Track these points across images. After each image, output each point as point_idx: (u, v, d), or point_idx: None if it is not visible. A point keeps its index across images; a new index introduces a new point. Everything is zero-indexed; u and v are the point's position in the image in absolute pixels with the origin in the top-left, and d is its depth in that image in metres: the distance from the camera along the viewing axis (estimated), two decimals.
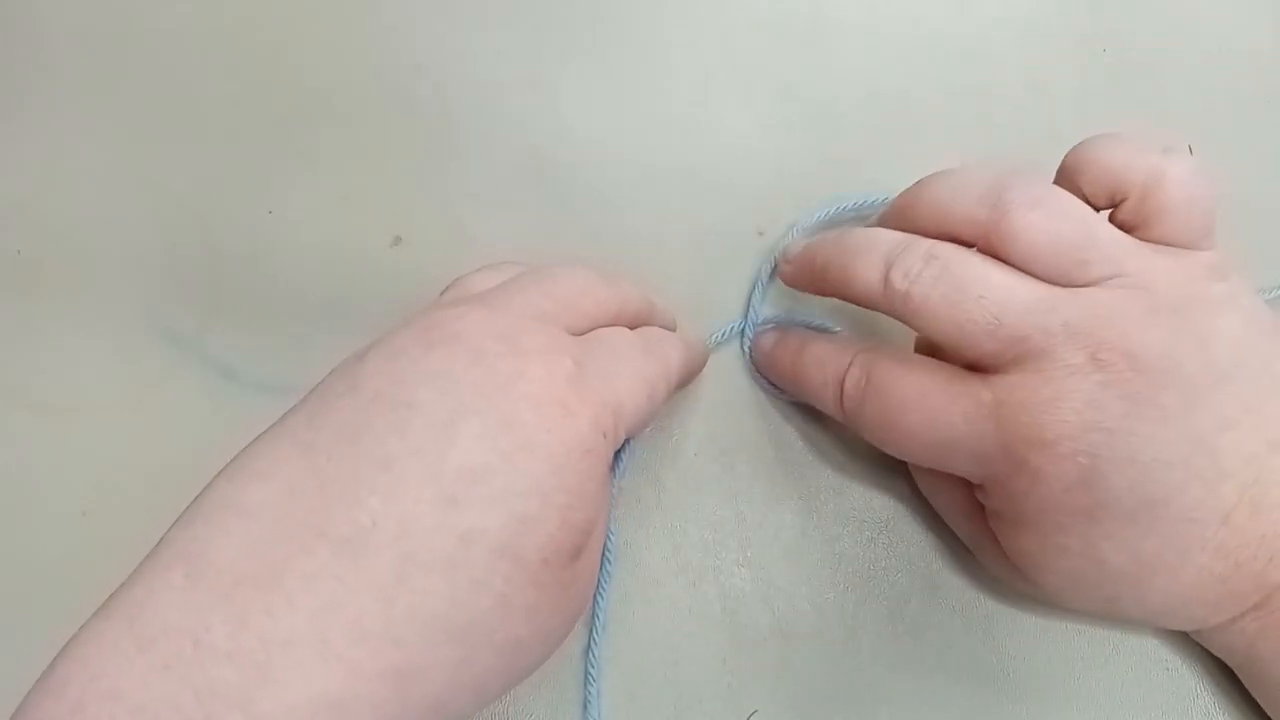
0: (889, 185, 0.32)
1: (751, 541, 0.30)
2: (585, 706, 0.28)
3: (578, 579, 0.22)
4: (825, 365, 0.27)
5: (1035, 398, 0.23)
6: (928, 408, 0.24)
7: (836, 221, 0.32)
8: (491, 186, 0.33)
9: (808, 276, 0.29)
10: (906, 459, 0.27)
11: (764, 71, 0.34)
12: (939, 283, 0.24)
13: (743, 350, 0.31)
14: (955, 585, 0.29)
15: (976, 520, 0.27)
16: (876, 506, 0.30)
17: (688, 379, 0.29)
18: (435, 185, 0.33)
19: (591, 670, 0.28)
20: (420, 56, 0.35)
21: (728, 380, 0.31)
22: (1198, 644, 0.28)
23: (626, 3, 0.35)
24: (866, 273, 0.26)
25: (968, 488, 0.27)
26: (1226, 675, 0.28)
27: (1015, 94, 0.34)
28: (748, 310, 0.31)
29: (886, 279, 0.25)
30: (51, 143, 0.34)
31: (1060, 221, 0.24)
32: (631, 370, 0.24)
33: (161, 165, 0.34)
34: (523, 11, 0.35)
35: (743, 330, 0.31)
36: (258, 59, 0.35)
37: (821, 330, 0.31)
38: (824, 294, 0.28)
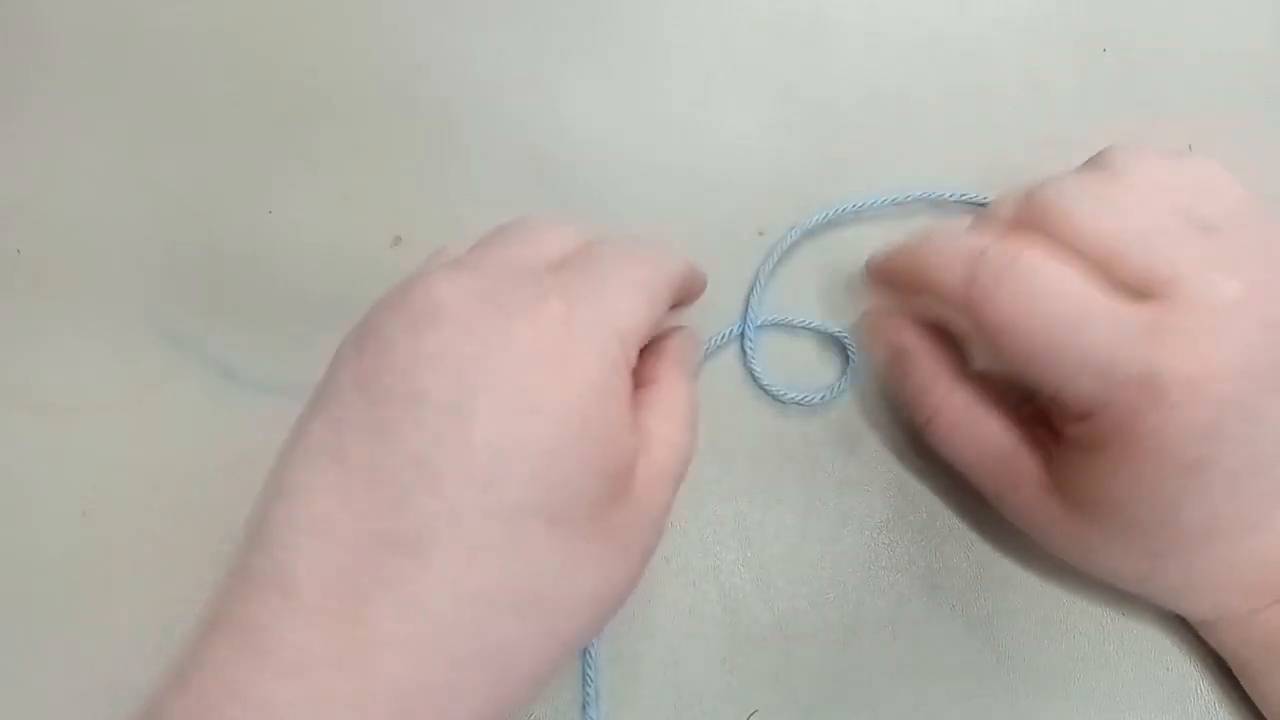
0: (889, 185, 0.32)
1: (751, 541, 0.30)
2: (584, 707, 0.28)
3: (639, 511, 0.23)
4: (959, 242, 0.25)
5: (1196, 327, 0.21)
6: (1079, 305, 0.22)
7: (836, 223, 0.32)
8: (491, 186, 0.33)
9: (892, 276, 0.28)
10: (1014, 358, 0.24)
11: (764, 71, 0.34)
12: (1090, 195, 0.24)
13: (743, 350, 0.31)
14: (955, 585, 0.29)
15: (1019, 460, 0.26)
16: (876, 506, 0.30)
17: (687, 288, 0.27)
18: (435, 185, 0.33)
19: (589, 671, 0.28)
20: (420, 56, 0.35)
21: (728, 381, 0.31)
22: (1198, 644, 0.28)
23: (626, 3, 0.35)
24: (1007, 202, 0.25)
25: (1023, 423, 0.26)
26: (1227, 675, 0.28)
27: (1015, 94, 0.34)
28: (746, 312, 0.31)
29: (1031, 194, 0.25)
30: (51, 143, 0.34)
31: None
32: (621, 280, 0.23)
33: (161, 165, 0.34)
34: (523, 11, 0.35)
35: (742, 333, 0.31)
36: (258, 59, 0.35)
37: (821, 331, 0.31)
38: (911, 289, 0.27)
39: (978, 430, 0.27)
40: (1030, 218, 0.24)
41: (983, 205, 0.31)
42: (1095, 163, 0.26)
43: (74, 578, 0.29)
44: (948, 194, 0.31)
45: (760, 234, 0.32)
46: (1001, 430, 0.26)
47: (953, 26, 0.35)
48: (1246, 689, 0.26)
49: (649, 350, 0.26)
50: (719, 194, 0.33)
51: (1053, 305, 0.23)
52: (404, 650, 0.20)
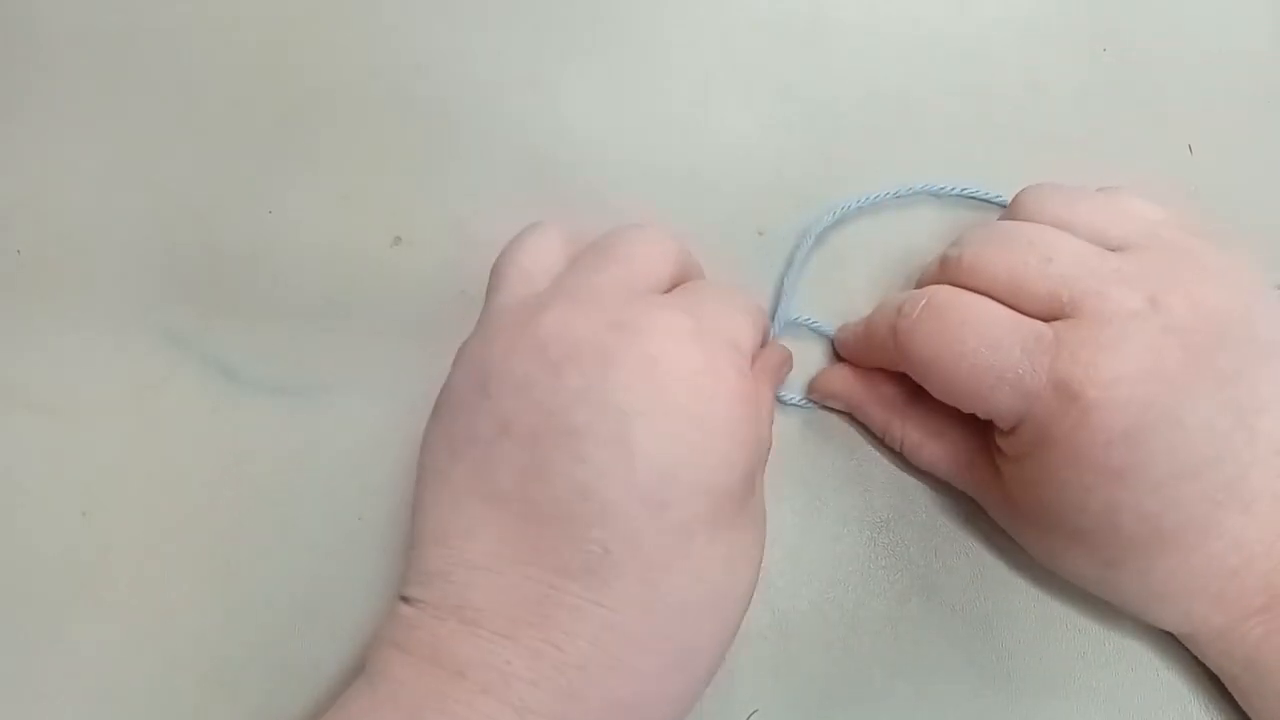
0: (889, 185, 0.32)
1: None
2: None
3: (760, 495, 0.25)
4: (889, 302, 0.27)
5: (1097, 336, 0.22)
6: (986, 332, 0.24)
7: (845, 221, 0.32)
8: (491, 186, 0.33)
9: (865, 348, 0.29)
10: (940, 388, 0.26)
11: (764, 71, 0.34)
12: (990, 240, 0.25)
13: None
14: (955, 585, 0.29)
15: (980, 470, 0.27)
16: (876, 506, 0.30)
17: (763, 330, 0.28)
18: (435, 185, 0.33)
19: None
20: (420, 56, 0.35)
21: None
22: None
23: (626, 3, 0.35)
24: (929, 269, 0.28)
25: (977, 436, 0.27)
26: None
27: (1015, 94, 0.34)
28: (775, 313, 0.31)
29: (942, 256, 0.26)
30: (51, 143, 0.34)
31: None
32: (730, 301, 0.25)
33: (161, 165, 0.34)
34: (523, 11, 0.35)
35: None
36: (258, 59, 0.35)
37: (821, 333, 0.31)
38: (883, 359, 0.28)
39: (941, 448, 0.28)
40: (943, 276, 0.26)
41: (985, 200, 0.31)
42: (1007, 212, 0.28)
43: (74, 578, 0.29)
44: (950, 188, 0.31)
45: (760, 234, 0.32)
46: (961, 445, 0.28)
47: (953, 26, 0.35)
48: (1240, 704, 0.26)
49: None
50: (719, 194, 0.33)
51: (966, 330, 0.24)
52: (601, 670, 0.21)
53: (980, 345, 0.24)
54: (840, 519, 0.30)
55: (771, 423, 0.27)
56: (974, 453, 0.27)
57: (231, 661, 0.28)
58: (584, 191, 0.33)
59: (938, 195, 0.32)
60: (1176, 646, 0.28)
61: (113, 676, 0.29)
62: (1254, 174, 0.33)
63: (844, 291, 0.32)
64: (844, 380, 0.30)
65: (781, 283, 0.31)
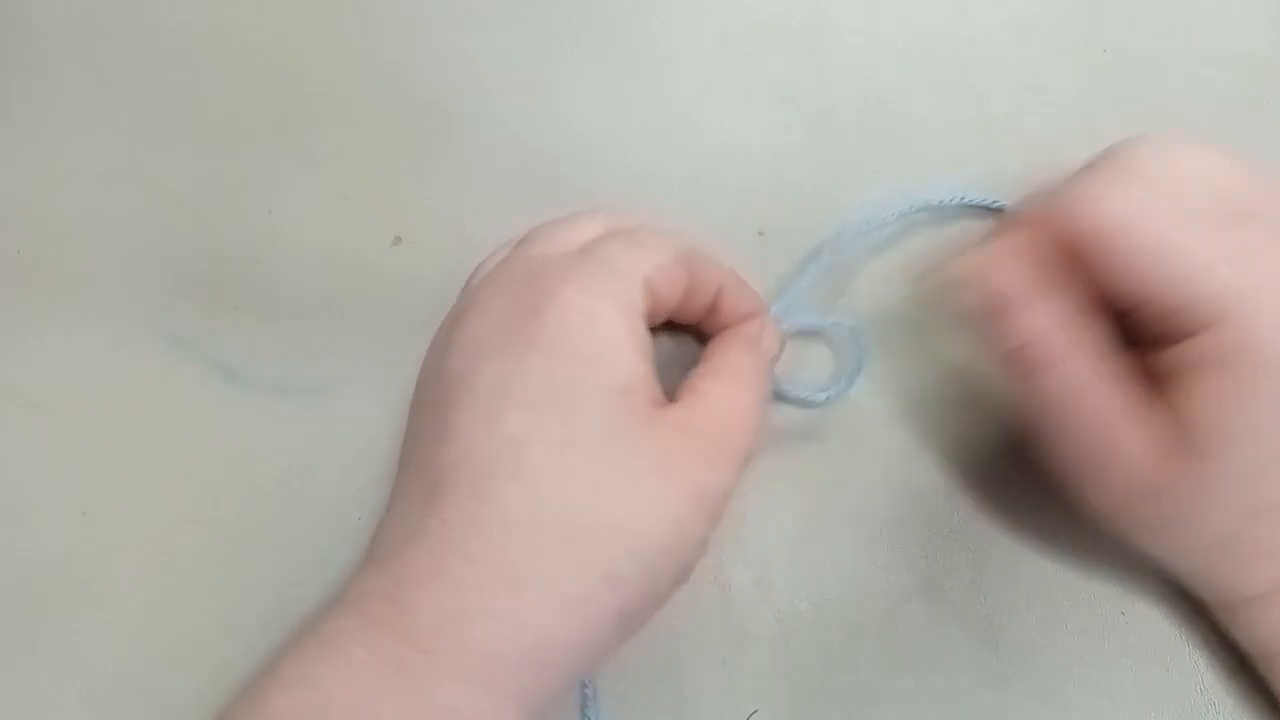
0: (889, 185, 0.32)
1: (751, 541, 0.30)
2: (583, 707, 0.28)
3: (672, 439, 0.24)
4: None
5: None
6: (1194, 207, 0.23)
7: (836, 223, 0.31)
8: (491, 186, 0.33)
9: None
10: (1129, 269, 0.23)
11: (764, 72, 0.34)
12: None
13: None
14: (955, 585, 0.29)
15: (1122, 398, 0.24)
16: (877, 506, 0.30)
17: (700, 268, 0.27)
18: (435, 185, 0.33)
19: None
20: (420, 57, 0.35)
21: None
22: (1198, 645, 0.28)
23: (626, 4, 0.35)
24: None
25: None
26: (1227, 676, 0.28)
27: (1015, 94, 0.34)
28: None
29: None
30: (51, 143, 0.34)
31: None
32: (630, 242, 0.26)
33: (161, 165, 0.34)
34: (522, 11, 0.35)
35: None
36: (258, 59, 0.35)
37: (819, 330, 0.31)
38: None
39: (1083, 369, 0.24)
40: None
41: (984, 207, 0.31)
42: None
43: (74, 578, 0.30)
44: (950, 199, 0.31)
45: (760, 234, 0.32)
46: (1105, 367, 0.24)
47: (953, 27, 0.35)
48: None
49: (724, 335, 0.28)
50: (719, 195, 0.33)
51: (1168, 205, 0.23)
52: (429, 579, 0.22)
53: (1191, 222, 0.22)
54: (840, 519, 0.30)
55: (738, 380, 0.26)
56: (1121, 379, 0.24)
57: (231, 662, 0.28)
58: (584, 192, 0.33)
59: (939, 208, 0.31)
60: (1176, 648, 0.28)
61: (113, 676, 0.29)
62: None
63: (832, 293, 0.32)
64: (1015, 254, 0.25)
65: (791, 292, 0.31)
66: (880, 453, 0.30)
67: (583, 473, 0.23)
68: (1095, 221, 0.23)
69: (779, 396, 0.30)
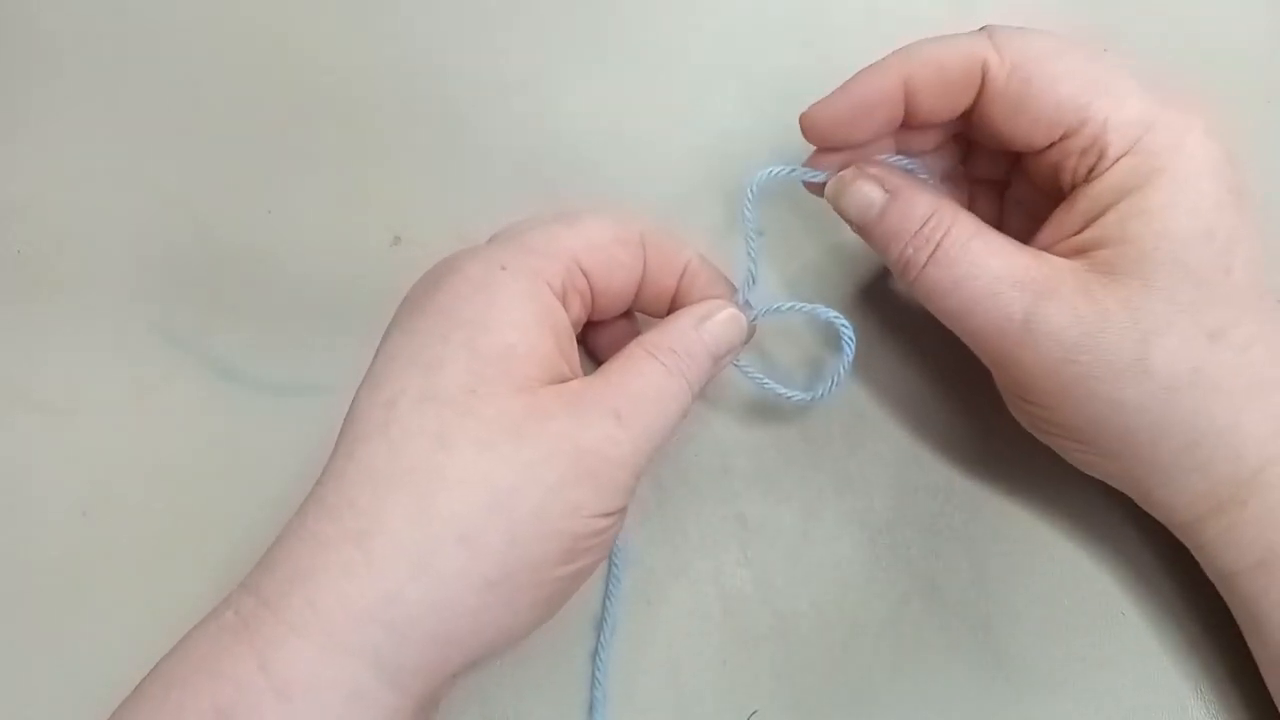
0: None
1: (751, 542, 0.30)
2: (591, 709, 0.28)
3: (573, 389, 0.24)
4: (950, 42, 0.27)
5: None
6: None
7: (820, 218, 0.30)
8: (491, 186, 0.33)
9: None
10: (1054, 97, 0.26)
11: (764, 71, 0.34)
12: None
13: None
14: (955, 585, 0.29)
15: (1047, 263, 0.24)
16: (877, 507, 0.30)
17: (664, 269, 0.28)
18: (435, 185, 0.33)
19: (599, 673, 0.28)
20: (420, 56, 0.35)
21: (727, 381, 0.31)
22: (1198, 645, 0.28)
23: (626, 3, 0.35)
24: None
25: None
26: (1226, 676, 0.28)
27: None
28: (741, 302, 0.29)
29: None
30: (51, 143, 0.34)
31: None
32: (541, 225, 0.26)
33: (161, 165, 0.34)
34: (523, 11, 0.35)
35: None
36: (258, 59, 0.35)
37: (812, 316, 0.31)
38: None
39: (993, 247, 0.25)
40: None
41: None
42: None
43: (74, 578, 0.30)
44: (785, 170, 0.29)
45: (760, 234, 0.32)
46: (1020, 243, 0.25)
47: (952, 26, 0.35)
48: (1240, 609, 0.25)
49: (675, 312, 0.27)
50: (719, 194, 0.33)
51: (1072, 45, 0.25)
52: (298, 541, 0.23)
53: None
54: (840, 520, 0.30)
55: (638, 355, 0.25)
56: (1038, 250, 0.25)
57: None
58: (583, 191, 0.33)
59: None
60: (1176, 648, 0.28)
61: (113, 676, 0.29)
62: (1254, 174, 0.33)
63: (828, 290, 0.32)
64: (879, 162, 0.27)
65: (749, 274, 0.29)
66: (880, 453, 0.30)
67: (439, 428, 0.22)
68: (1023, 51, 0.25)
69: (780, 394, 0.30)
